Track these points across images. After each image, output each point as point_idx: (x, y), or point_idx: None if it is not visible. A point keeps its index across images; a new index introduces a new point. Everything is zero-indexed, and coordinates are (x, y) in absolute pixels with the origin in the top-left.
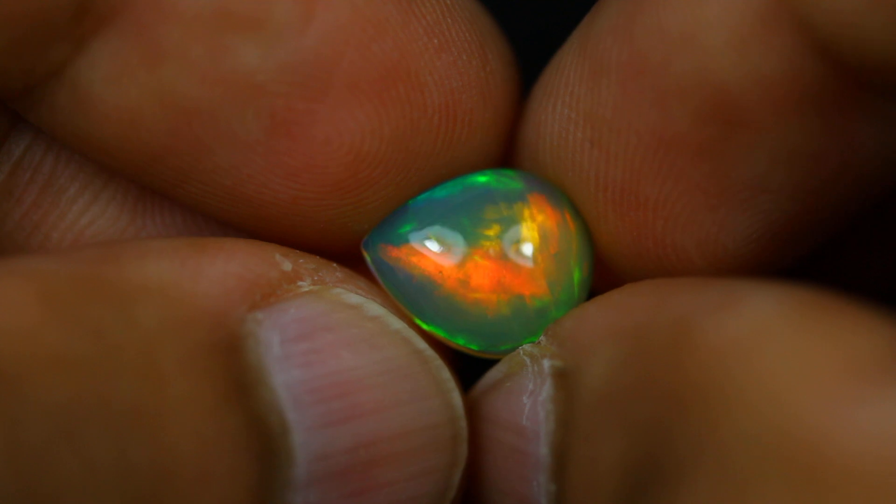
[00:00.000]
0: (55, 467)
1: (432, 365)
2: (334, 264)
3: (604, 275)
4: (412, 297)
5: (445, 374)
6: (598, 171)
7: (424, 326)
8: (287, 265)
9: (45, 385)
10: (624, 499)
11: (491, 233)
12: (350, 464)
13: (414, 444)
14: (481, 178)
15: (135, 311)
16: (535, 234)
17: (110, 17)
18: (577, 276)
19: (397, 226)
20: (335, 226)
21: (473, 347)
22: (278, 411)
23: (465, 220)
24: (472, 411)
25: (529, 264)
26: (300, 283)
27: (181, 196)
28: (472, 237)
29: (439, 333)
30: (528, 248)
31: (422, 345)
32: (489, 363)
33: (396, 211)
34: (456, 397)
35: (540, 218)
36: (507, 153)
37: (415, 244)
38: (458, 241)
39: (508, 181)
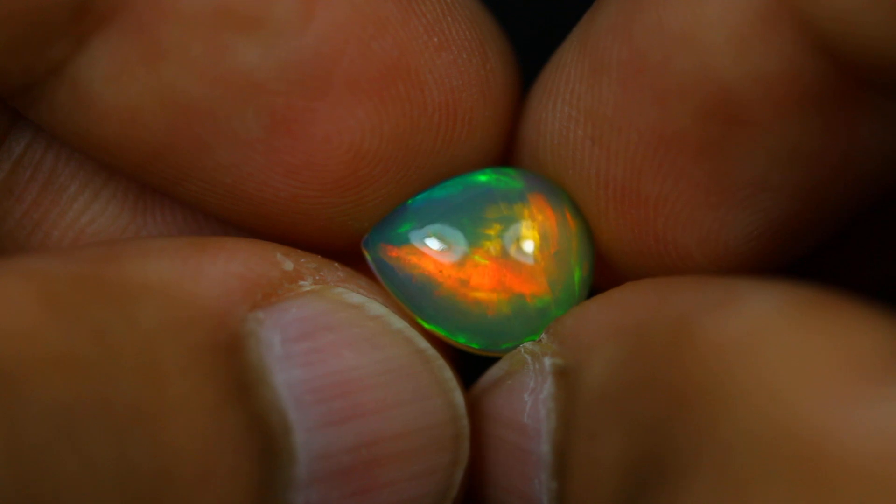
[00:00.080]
0: (55, 467)
1: (434, 364)
2: (336, 263)
3: (605, 273)
4: (413, 296)
5: (447, 374)
6: (598, 168)
7: (425, 326)
8: (288, 264)
9: (46, 385)
10: (625, 496)
11: (491, 232)
12: (352, 463)
13: (416, 443)
14: (481, 178)
15: (136, 311)
16: (536, 233)
17: (110, 16)
18: (577, 274)
19: (397, 225)
20: (335, 224)
21: (474, 346)
22: (280, 411)
23: (465, 220)
24: (474, 409)
25: (530, 263)
26: (301, 282)
27: (181, 194)
28: (472, 236)
29: (440, 333)
30: (528, 247)
31: (423, 344)
32: (490, 361)
33: (396, 210)
34: (458, 396)
35: (540, 217)
36: (507, 151)
37: (415, 244)
38: (458, 240)
39: (508, 180)
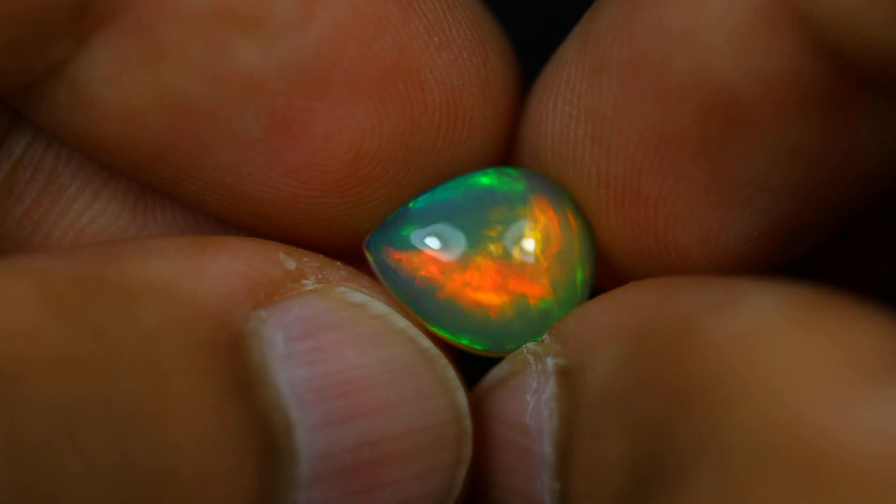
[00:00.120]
0: (55, 468)
1: (437, 364)
2: (338, 263)
3: (606, 273)
4: (415, 298)
5: (450, 373)
6: (599, 168)
7: (428, 328)
8: (291, 263)
9: (46, 385)
10: (627, 496)
11: (493, 234)
12: (354, 462)
13: (418, 442)
14: (483, 179)
15: (137, 311)
16: (538, 235)
17: (110, 16)
18: (580, 275)
19: (399, 227)
20: (335, 223)
21: (477, 347)
22: (282, 410)
23: (467, 222)
24: (476, 410)
25: (532, 265)
26: (304, 281)
27: (181, 194)
28: (474, 238)
29: (443, 334)
30: (530, 249)
31: (426, 343)
32: (493, 361)
33: (398, 212)
34: (461, 396)
35: (542, 218)
36: (508, 151)
37: (417, 246)
38: (460, 242)
39: (511, 181)
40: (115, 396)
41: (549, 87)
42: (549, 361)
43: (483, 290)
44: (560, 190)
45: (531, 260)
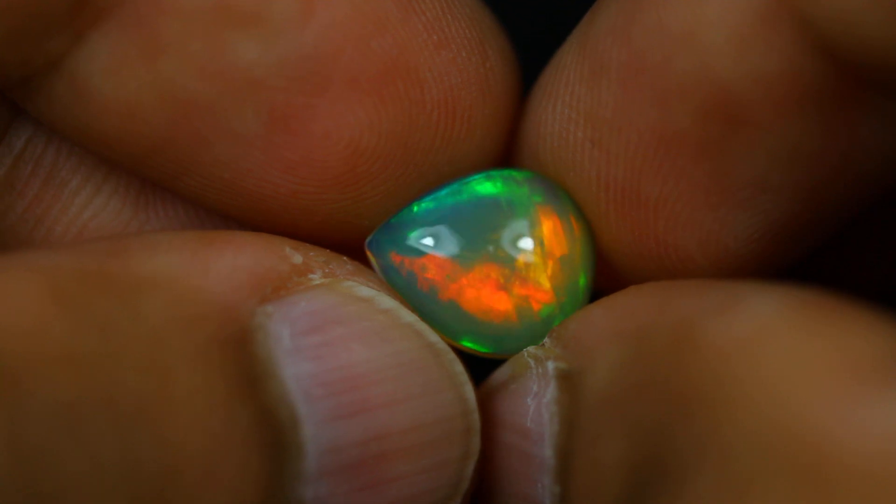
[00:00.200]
0: (59, 465)
1: (445, 358)
2: (345, 257)
3: (607, 275)
4: (418, 301)
5: (458, 367)
6: (598, 170)
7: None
8: (297, 258)
9: (50, 382)
10: (627, 499)
11: (497, 237)
12: (361, 457)
13: (426, 437)
14: (487, 183)
15: (142, 306)
16: (541, 239)
17: (109, 10)
18: (582, 280)
19: (404, 230)
20: (335, 219)
21: (479, 350)
22: (288, 404)
23: (471, 225)
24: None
25: (535, 269)
26: (311, 275)
27: (181, 189)
28: (478, 242)
29: (445, 338)
30: (533, 254)
31: (434, 338)
32: (494, 363)
33: (402, 214)
34: (468, 390)
35: (545, 222)
36: (507, 149)
37: (421, 249)
38: (464, 245)
39: (514, 185)
40: (120, 393)
41: (548, 90)
42: (550, 365)
43: (486, 294)
44: (563, 193)
45: (534, 264)
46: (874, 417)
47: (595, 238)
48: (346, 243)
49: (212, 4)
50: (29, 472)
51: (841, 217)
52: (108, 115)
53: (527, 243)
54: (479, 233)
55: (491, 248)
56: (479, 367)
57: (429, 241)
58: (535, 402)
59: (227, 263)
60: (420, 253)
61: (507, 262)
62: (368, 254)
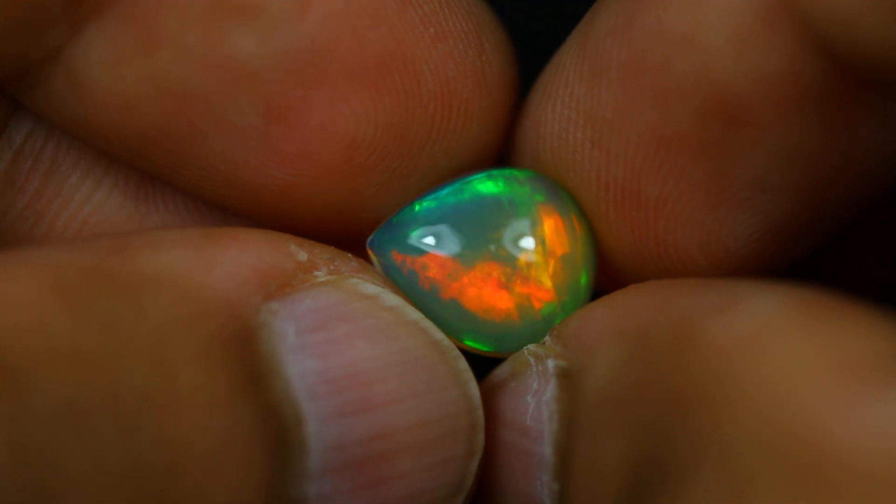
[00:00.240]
0: (61, 462)
1: (449, 355)
2: (349, 255)
3: (607, 275)
4: (419, 301)
5: (462, 365)
6: (598, 171)
7: None
8: (302, 255)
9: (53, 379)
10: (626, 498)
11: (498, 236)
12: (365, 454)
13: (431, 434)
14: (488, 182)
15: (147, 303)
16: (543, 238)
17: (106, 2)
18: (583, 278)
19: (404, 230)
20: (332, 211)
21: (481, 349)
22: (292, 402)
23: (472, 224)
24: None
25: (537, 268)
26: (316, 272)
27: (178, 181)
28: (479, 241)
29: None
30: (535, 252)
31: (439, 335)
32: (495, 361)
33: (403, 213)
34: (473, 387)
35: (547, 221)
36: (503, 143)
37: (422, 248)
38: (465, 245)
39: (515, 185)
40: (123, 390)
41: (547, 91)
42: (550, 363)
43: (487, 293)
44: (563, 192)
45: (536, 263)
46: (874, 417)
47: (596, 238)
48: (344, 235)
49: None
50: (30, 471)
51: (841, 217)
52: (105, 107)
53: (528, 242)
54: (481, 232)
55: (492, 246)
56: (480, 365)
57: (430, 239)
58: (534, 400)
59: (232, 260)
60: (421, 252)
61: (509, 260)
62: (370, 252)
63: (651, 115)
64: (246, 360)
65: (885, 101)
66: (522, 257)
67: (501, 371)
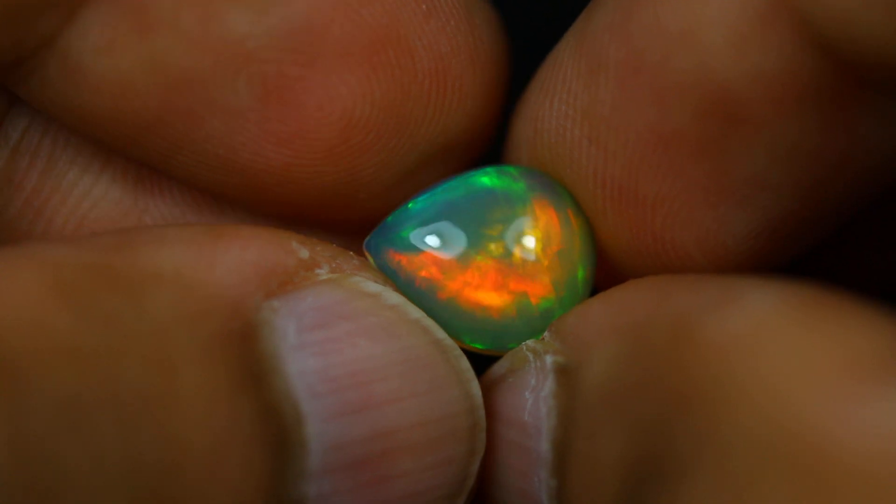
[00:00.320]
0: (60, 460)
1: (451, 354)
2: (351, 252)
3: (606, 271)
4: (416, 299)
5: (464, 364)
6: (596, 168)
7: None
8: (304, 252)
9: (52, 376)
10: (624, 495)
11: (494, 233)
12: (366, 453)
13: (432, 433)
14: (483, 178)
15: (148, 300)
16: (538, 233)
17: None
18: (581, 273)
19: (399, 228)
20: (329, 193)
21: (479, 346)
22: (292, 401)
23: (467, 221)
24: None
25: (533, 264)
26: (318, 270)
27: (175, 169)
28: (475, 238)
29: None
30: (531, 248)
31: (441, 334)
32: (492, 358)
33: (398, 212)
34: (474, 387)
35: (542, 216)
36: (497, 120)
37: (418, 246)
38: (461, 242)
39: (510, 181)
40: (123, 388)
41: (545, 87)
42: (548, 359)
43: (484, 290)
44: (560, 188)
45: (532, 258)
46: (874, 416)
47: (594, 234)
48: (341, 218)
49: None
50: (29, 469)
51: (840, 215)
52: (100, 94)
53: (524, 238)
54: (477, 228)
55: (488, 243)
56: (478, 364)
57: (425, 238)
58: (532, 396)
59: (234, 258)
60: (417, 250)
61: (505, 256)
62: (366, 254)
63: (649, 113)
64: (247, 359)
65: (883, 100)
66: (518, 253)
67: (499, 367)
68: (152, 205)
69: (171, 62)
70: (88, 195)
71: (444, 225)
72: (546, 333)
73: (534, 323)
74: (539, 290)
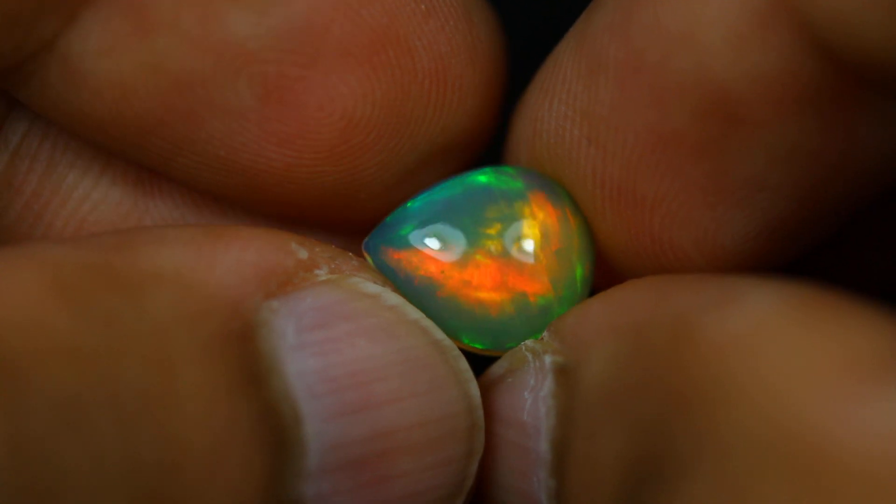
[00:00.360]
0: (59, 460)
1: (450, 355)
2: (350, 253)
3: (605, 271)
4: (415, 298)
5: (463, 364)
6: (595, 168)
7: None
8: (303, 253)
9: (52, 375)
10: (624, 495)
11: (492, 231)
12: (364, 454)
13: (431, 434)
14: (481, 178)
15: (147, 301)
16: (537, 232)
17: None
18: (579, 272)
19: (398, 227)
20: (330, 194)
21: (478, 346)
22: (291, 401)
23: (465, 220)
24: None
25: (532, 262)
26: (317, 271)
27: (176, 170)
28: (473, 236)
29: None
30: (529, 246)
31: (439, 335)
32: (491, 358)
33: (396, 212)
34: (473, 387)
35: (541, 215)
36: (496, 120)
37: (416, 245)
38: (459, 240)
39: (508, 179)
40: (122, 388)
41: (545, 87)
42: (547, 359)
43: (483, 289)
44: (558, 187)
45: (530, 257)
46: (874, 416)
47: (592, 234)
48: (342, 218)
49: None
50: (28, 469)
51: (839, 216)
52: (101, 97)
53: (522, 236)
54: (475, 227)
55: (487, 242)
56: (477, 364)
57: (423, 236)
58: (531, 396)
59: (233, 258)
60: (415, 249)
61: (504, 255)
62: (365, 255)
63: (648, 114)
64: (246, 359)
65: (883, 101)
66: (517, 252)
67: (498, 367)
68: (152, 207)
69: (171, 64)
70: (88, 198)
71: (443, 224)
72: (545, 333)
73: (532, 321)
74: (537, 289)
